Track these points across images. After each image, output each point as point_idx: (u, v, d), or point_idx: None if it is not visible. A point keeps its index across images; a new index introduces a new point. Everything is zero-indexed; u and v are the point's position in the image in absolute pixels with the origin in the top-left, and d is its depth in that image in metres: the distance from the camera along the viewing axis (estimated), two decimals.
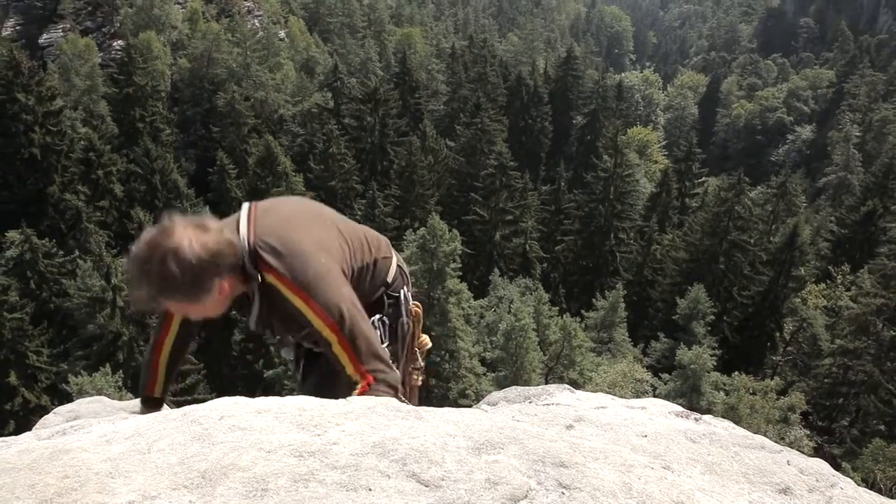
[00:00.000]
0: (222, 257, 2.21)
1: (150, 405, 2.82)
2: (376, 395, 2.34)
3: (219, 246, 2.20)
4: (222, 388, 30.45)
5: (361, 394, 2.34)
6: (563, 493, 1.59)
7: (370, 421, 1.80)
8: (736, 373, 33.38)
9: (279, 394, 2.10)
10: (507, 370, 29.74)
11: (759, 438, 2.32)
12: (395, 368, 2.52)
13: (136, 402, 3.16)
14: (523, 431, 1.84)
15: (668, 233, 48.03)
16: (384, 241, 2.85)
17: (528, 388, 2.82)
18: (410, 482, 1.52)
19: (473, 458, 1.65)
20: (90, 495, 1.42)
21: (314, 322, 2.35)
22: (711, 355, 31.86)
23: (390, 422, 1.81)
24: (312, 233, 2.45)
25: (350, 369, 2.38)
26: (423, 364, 3.22)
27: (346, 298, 2.41)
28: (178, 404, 2.54)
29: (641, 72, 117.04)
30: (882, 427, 30.96)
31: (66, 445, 1.65)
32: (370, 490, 1.48)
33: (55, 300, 32.14)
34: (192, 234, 2.15)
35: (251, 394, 2.45)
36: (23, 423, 24.01)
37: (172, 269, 2.08)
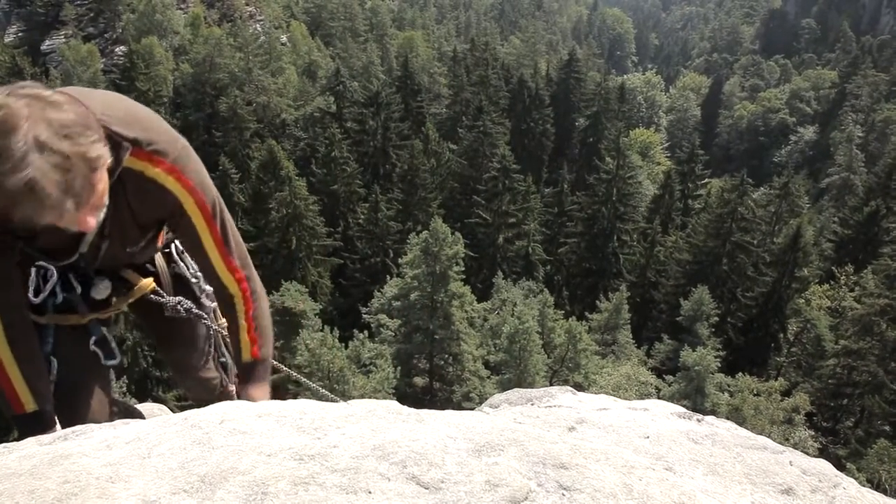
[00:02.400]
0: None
1: (34, 424, 2.04)
2: (258, 309, 2.26)
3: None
4: None
5: (247, 310, 2.24)
6: (563, 494, 1.59)
7: (370, 424, 1.80)
8: (740, 374, 33.37)
9: (282, 398, 2.08)
10: (511, 373, 29.72)
11: (762, 439, 2.31)
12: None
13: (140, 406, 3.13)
14: (524, 433, 1.84)
15: (672, 234, 48.00)
16: None
17: (530, 390, 2.82)
18: (410, 484, 1.52)
19: (473, 460, 1.65)
20: (90, 500, 1.42)
21: (186, 205, 2.04)
22: (715, 357, 31.86)
23: (391, 424, 1.81)
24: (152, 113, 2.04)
25: (221, 268, 2.19)
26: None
27: (213, 186, 2.16)
28: (181, 409, 2.54)
29: (643, 74, 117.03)
30: (887, 428, 30.92)
31: (66, 450, 1.66)
32: (370, 493, 1.48)
33: None
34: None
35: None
36: None
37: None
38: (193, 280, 2.56)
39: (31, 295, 2.20)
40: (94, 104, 1.76)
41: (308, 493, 1.46)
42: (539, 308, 33.44)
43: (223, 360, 2.82)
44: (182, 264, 2.53)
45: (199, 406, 2.01)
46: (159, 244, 2.36)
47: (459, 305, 32.66)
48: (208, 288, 2.54)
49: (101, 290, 2.26)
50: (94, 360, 2.34)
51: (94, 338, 2.29)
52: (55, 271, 2.19)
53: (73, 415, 2.21)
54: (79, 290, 2.25)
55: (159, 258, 2.47)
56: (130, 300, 2.40)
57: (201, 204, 2.08)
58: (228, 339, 2.55)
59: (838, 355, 35.01)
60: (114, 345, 2.34)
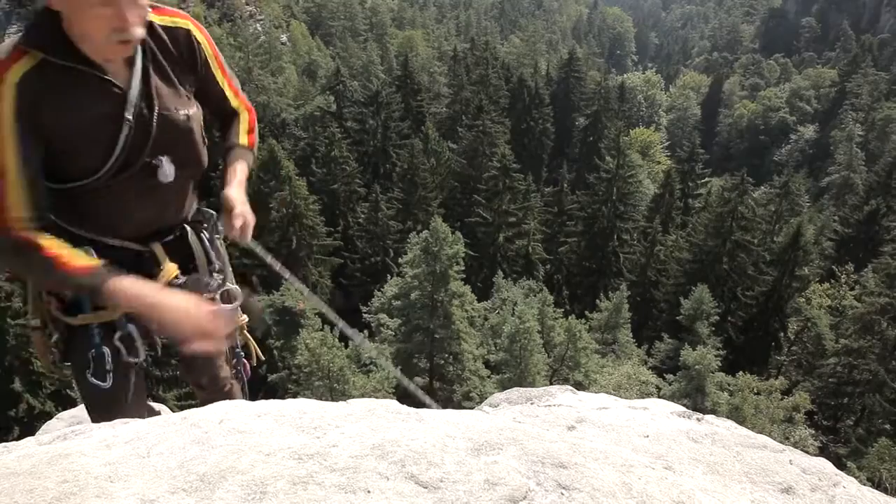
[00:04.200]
0: None
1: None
2: (255, 121, 2.61)
3: None
4: None
5: (250, 118, 2.59)
6: (562, 493, 1.59)
7: (370, 423, 1.80)
8: (740, 373, 33.32)
9: (282, 397, 2.08)
10: (512, 372, 29.69)
11: (762, 438, 2.31)
12: None
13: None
14: (523, 432, 1.84)
15: (672, 233, 47.96)
16: None
17: (530, 389, 2.82)
18: (409, 484, 1.52)
19: (472, 459, 1.65)
20: (89, 499, 1.42)
21: (197, 34, 2.30)
22: (716, 356, 31.81)
23: (390, 424, 1.81)
24: None
25: (230, 93, 2.52)
26: None
27: None
28: (180, 408, 2.53)
29: (643, 73, 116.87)
30: (887, 426, 30.88)
31: (65, 450, 1.66)
32: (369, 492, 1.48)
33: None
34: None
35: (253, 398, 2.44)
36: (27, 429, 24.04)
37: None
38: (219, 270, 2.62)
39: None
40: None
41: (307, 492, 1.46)
42: (539, 307, 33.42)
43: (237, 350, 2.91)
44: (214, 252, 2.60)
45: (201, 405, 2.02)
46: (197, 121, 2.36)
47: (460, 305, 32.64)
48: (233, 287, 2.65)
49: (167, 172, 2.25)
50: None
51: (119, 333, 2.32)
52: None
53: (117, 411, 2.24)
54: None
55: (194, 238, 2.51)
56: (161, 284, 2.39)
57: (206, 34, 2.33)
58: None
59: (839, 354, 35.01)
60: (139, 343, 2.37)
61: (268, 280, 38.58)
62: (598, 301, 40.28)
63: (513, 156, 49.23)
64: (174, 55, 2.24)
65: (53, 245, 1.97)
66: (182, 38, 2.26)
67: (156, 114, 2.15)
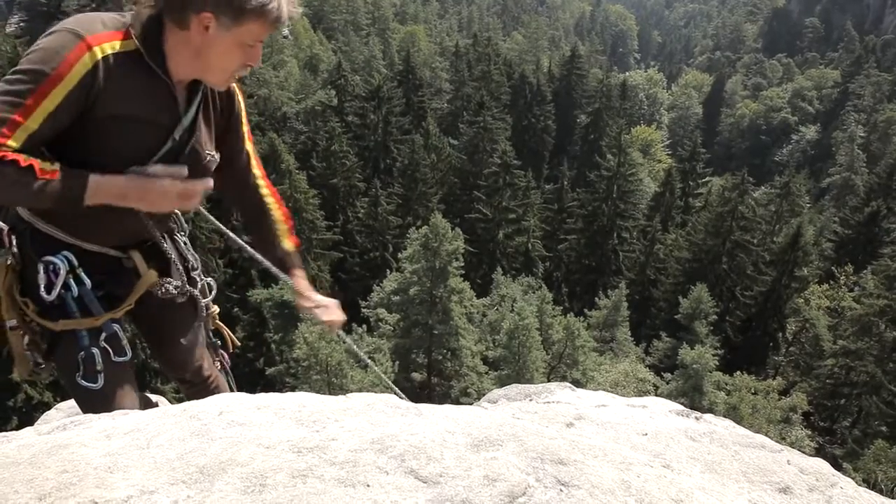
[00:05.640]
0: None
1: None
2: (283, 207, 2.71)
3: None
4: None
5: (280, 207, 2.69)
6: (561, 490, 1.59)
7: (369, 417, 1.80)
8: (738, 373, 33.38)
9: (280, 391, 2.08)
10: (510, 369, 29.71)
11: (760, 437, 2.31)
12: None
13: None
14: (522, 429, 1.84)
15: (672, 232, 47.95)
16: None
17: (528, 386, 2.82)
18: (408, 478, 1.52)
19: (472, 454, 1.65)
20: (88, 490, 1.42)
21: (237, 95, 2.45)
22: (714, 355, 31.83)
23: (389, 418, 1.81)
24: None
25: (260, 175, 2.66)
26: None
27: None
28: (179, 401, 2.54)
29: (646, 71, 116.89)
30: (884, 428, 30.91)
31: (65, 440, 1.66)
32: (368, 486, 1.48)
33: None
34: None
35: (252, 391, 2.45)
36: (26, 419, 24.06)
37: None
38: (194, 268, 2.67)
39: (42, 292, 2.22)
40: None
41: (306, 485, 1.46)
42: (538, 304, 33.43)
43: (216, 341, 2.97)
44: (189, 252, 2.66)
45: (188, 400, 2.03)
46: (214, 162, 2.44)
47: (459, 301, 32.64)
48: (209, 280, 2.75)
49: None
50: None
51: (104, 334, 2.31)
52: (63, 264, 2.22)
53: (110, 410, 2.22)
54: (88, 284, 2.28)
55: (168, 245, 2.52)
56: (140, 293, 2.43)
57: (242, 93, 2.48)
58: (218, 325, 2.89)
59: (836, 355, 35.04)
60: (125, 342, 2.37)
61: (266, 274, 38.60)
62: (596, 299, 40.32)
63: (513, 152, 49.20)
64: (218, 101, 2.37)
65: (32, 160, 1.93)
66: (227, 88, 2.35)
67: (190, 145, 2.23)
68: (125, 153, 2.10)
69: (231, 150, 2.52)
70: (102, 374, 2.29)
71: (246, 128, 2.56)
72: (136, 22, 2.05)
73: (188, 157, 2.23)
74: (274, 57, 61.59)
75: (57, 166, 1.97)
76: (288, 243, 2.68)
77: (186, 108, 2.20)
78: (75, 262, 2.24)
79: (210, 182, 2.26)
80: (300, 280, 2.67)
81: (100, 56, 1.95)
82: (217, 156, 2.39)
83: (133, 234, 2.37)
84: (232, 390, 3.10)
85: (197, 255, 2.71)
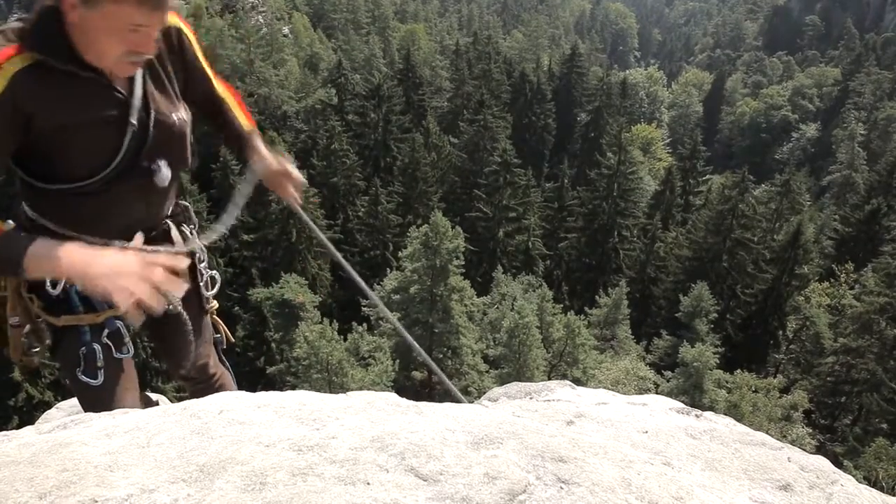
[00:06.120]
0: None
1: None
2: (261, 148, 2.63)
3: None
4: None
5: (236, 98, 2.63)
6: (561, 487, 1.59)
7: (369, 415, 1.80)
8: (739, 370, 33.39)
9: (281, 390, 2.08)
10: (510, 367, 29.74)
11: (760, 435, 2.31)
12: None
13: None
14: (523, 427, 1.84)
15: (672, 230, 47.97)
16: None
17: (529, 384, 2.82)
18: (409, 476, 1.52)
19: (472, 452, 1.65)
20: (89, 488, 1.42)
21: (186, 31, 2.31)
22: (714, 353, 31.85)
23: (389, 416, 1.81)
24: None
25: (244, 120, 2.62)
26: None
27: None
28: (179, 399, 2.53)
29: (646, 69, 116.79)
30: (884, 426, 30.93)
31: (65, 439, 1.66)
32: (368, 484, 1.48)
33: None
34: None
35: (252, 390, 2.45)
36: (26, 418, 24.09)
37: None
38: (201, 261, 2.66)
39: (48, 287, 2.21)
40: None
41: (306, 483, 1.46)
42: (538, 302, 33.44)
43: (216, 336, 2.90)
44: (196, 244, 2.60)
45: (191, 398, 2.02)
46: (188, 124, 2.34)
47: (459, 299, 32.66)
48: (213, 273, 2.73)
49: (164, 177, 2.25)
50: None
51: (107, 331, 2.31)
52: None
53: (110, 406, 2.22)
54: None
55: (176, 234, 2.50)
56: None
57: (189, 28, 2.34)
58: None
59: (837, 353, 35.05)
60: (128, 339, 2.36)
61: (267, 271, 38.62)
62: (597, 297, 40.33)
63: (514, 151, 49.23)
64: (167, 55, 2.24)
65: None
66: (174, 36, 2.26)
67: (153, 119, 2.15)
68: (90, 158, 2.06)
69: (198, 88, 2.45)
70: (103, 371, 2.28)
71: (204, 62, 2.42)
72: (36, 29, 1.93)
73: (157, 131, 2.15)
74: (274, 55, 61.55)
75: (8, 225, 1.92)
76: (245, 122, 2.65)
77: (131, 88, 2.10)
78: None
79: (182, 262, 1.95)
80: (260, 147, 2.63)
81: (11, 73, 1.87)
82: (188, 116, 2.30)
83: (138, 224, 2.33)
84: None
85: (204, 248, 2.66)
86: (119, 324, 2.33)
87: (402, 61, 67.10)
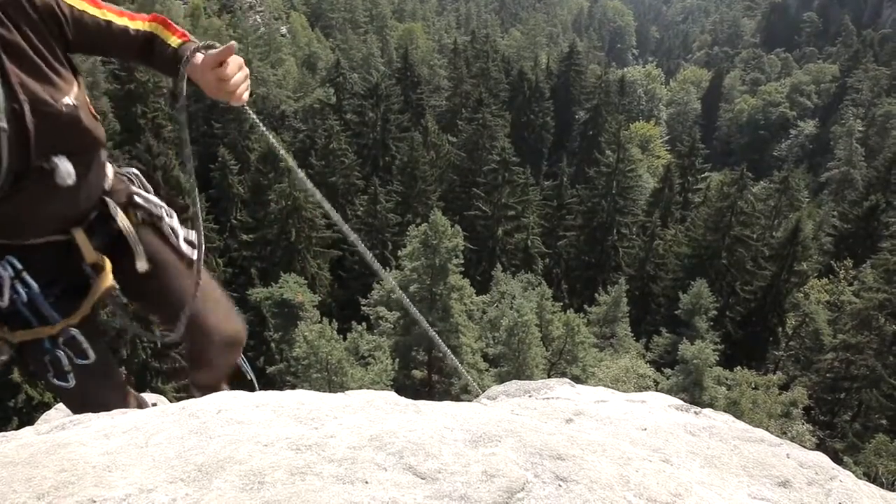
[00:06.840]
0: None
1: None
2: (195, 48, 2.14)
3: None
4: None
5: (166, 21, 2.18)
6: (559, 485, 1.59)
7: (368, 414, 1.80)
8: (738, 367, 33.39)
9: (280, 390, 2.08)
10: (510, 366, 29.73)
11: (759, 432, 2.31)
12: None
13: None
14: (521, 425, 1.84)
15: (671, 228, 47.97)
16: None
17: (528, 382, 2.82)
18: (407, 475, 1.52)
19: (470, 450, 1.65)
20: (87, 489, 1.42)
21: (104, 17, 2.03)
22: (714, 350, 31.85)
23: (388, 415, 1.81)
24: None
25: (174, 40, 2.16)
26: None
27: None
28: (178, 399, 2.53)
29: (644, 67, 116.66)
30: (884, 422, 30.95)
31: (64, 439, 1.66)
32: (367, 483, 1.48)
33: None
34: None
35: (252, 390, 2.45)
36: (26, 419, 24.07)
37: None
38: (160, 218, 2.50)
39: None
40: None
41: (305, 482, 1.46)
42: (537, 301, 33.44)
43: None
44: (148, 202, 2.46)
45: (199, 394, 2.02)
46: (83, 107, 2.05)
47: (458, 298, 32.65)
48: (182, 230, 2.56)
49: (64, 175, 1.99)
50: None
51: (62, 339, 2.25)
52: (5, 270, 2.12)
53: (92, 404, 2.21)
54: (35, 287, 2.16)
55: (122, 218, 2.34)
56: (94, 299, 2.32)
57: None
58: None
59: (836, 349, 35.05)
60: (85, 345, 2.27)
61: (266, 271, 38.60)
62: (596, 295, 40.31)
63: (512, 149, 49.20)
64: (30, 30, 1.86)
65: None
66: (31, 4, 1.87)
67: (28, 113, 1.84)
68: None
69: (99, 43, 2.11)
70: (72, 374, 2.25)
71: (93, 8, 2.03)
72: None
73: (40, 124, 1.87)
74: (272, 55, 61.57)
75: None
76: (174, 40, 2.18)
77: None
78: (19, 266, 2.12)
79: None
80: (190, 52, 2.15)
81: None
82: (74, 93, 1.97)
83: (62, 222, 2.18)
84: (248, 375, 3.07)
85: (158, 201, 2.49)
86: (74, 331, 2.26)
87: (400, 60, 67.07)
